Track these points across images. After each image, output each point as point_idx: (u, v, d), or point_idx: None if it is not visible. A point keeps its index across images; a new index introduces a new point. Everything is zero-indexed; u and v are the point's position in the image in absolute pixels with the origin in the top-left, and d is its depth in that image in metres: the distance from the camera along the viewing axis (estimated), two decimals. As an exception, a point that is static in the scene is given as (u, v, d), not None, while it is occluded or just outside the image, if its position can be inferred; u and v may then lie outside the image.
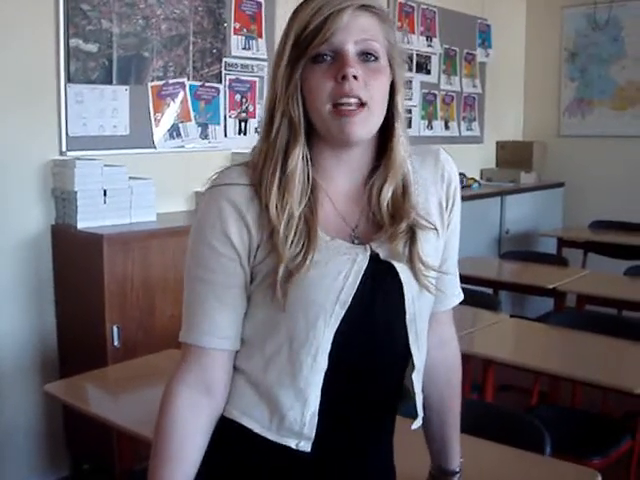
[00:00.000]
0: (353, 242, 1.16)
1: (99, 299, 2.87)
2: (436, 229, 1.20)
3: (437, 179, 1.24)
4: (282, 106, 1.12)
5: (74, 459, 3.22)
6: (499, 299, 3.80)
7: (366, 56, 1.11)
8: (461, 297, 1.35)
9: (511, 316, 3.30)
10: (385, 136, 1.17)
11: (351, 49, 1.09)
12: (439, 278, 1.22)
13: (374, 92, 1.10)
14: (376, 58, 1.11)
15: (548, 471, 1.79)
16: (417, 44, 5.12)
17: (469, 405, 1.99)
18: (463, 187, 5.30)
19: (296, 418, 1.13)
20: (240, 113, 3.80)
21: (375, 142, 1.18)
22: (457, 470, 1.38)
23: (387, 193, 1.16)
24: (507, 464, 1.81)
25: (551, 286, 3.68)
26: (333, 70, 1.09)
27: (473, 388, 2.99)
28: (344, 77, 1.08)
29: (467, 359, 2.82)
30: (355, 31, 1.09)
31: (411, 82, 5.06)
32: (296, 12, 1.12)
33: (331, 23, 1.07)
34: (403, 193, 1.18)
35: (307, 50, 1.09)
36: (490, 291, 4.09)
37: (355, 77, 1.08)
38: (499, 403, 2.67)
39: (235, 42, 3.75)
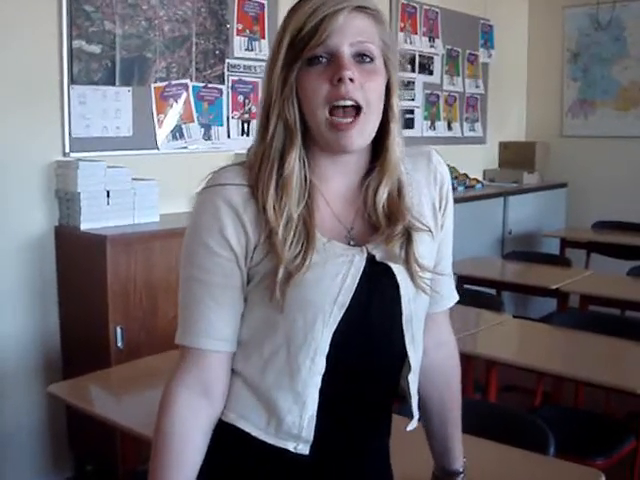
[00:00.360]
0: (349, 244, 1.15)
1: (102, 300, 2.87)
2: (430, 231, 1.20)
3: (430, 181, 1.24)
4: (277, 109, 1.12)
5: (77, 460, 3.22)
6: (502, 300, 3.80)
7: (362, 57, 1.10)
8: (456, 298, 1.35)
9: (514, 316, 3.30)
10: (381, 137, 1.16)
11: (347, 51, 1.09)
12: (434, 279, 1.22)
13: (370, 94, 1.10)
14: (372, 59, 1.11)
15: (552, 471, 1.79)
16: (420, 45, 5.12)
17: (472, 405, 1.99)
18: (466, 187, 5.32)
19: (294, 421, 1.12)
20: (243, 114, 3.80)
21: (371, 143, 1.17)
22: (460, 470, 1.38)
23: (383, 194, 1.16)
24: (510, 464, 1.81)
25: (554, 286, 3.68)
26: (329, 72, 1.08)
27: (476, 388, 2.98)
28: (340, 80, 1.07)
29: (470, 359, 2.83)
30: (351, 33, 1.09)
31: (414, 83, 5.07)
32: (291, 13, 1.12)
33: (327, 25, 1.07)
34: (398, 194, 1.18)
35: (302, 52, 1.09)
36: (493, 292, 4.09)
37: (351, 79, 1.08)
38: (502, 403, 2.67)
39: (238, 43, 3.76)
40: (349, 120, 1.09)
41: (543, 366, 2.67)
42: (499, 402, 2.76)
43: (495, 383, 2.75)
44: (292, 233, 1.09)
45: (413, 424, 1.26)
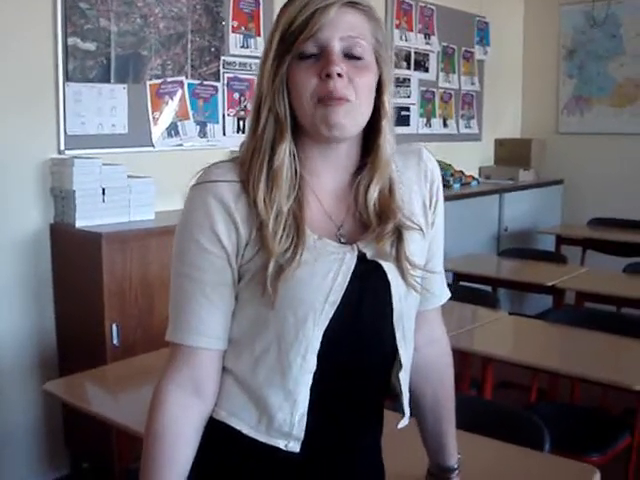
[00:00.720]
0: (339, 241, 1.15)
1: (98, 297, 2.87)
2: (421, 229, 1.20)
3: (420, 178, 1.24)
4: (268, 102, 1.11)
5: (73, 458, 3.22)
6: (498, 296, 3.80)
7: (352, 53, 1.09)
8: (448, 295, 1.35)
9: (510, 313, 3.30)
10: (372, 134, 1.16)
11: (337, 46, 1.08)
12: (426, 277, 1.21)
13: (359, 90, 1.09)
14: (362, 55, 1.10)
15: (547, 467, 1.79)
16: (415, 42, 5.12)
17: (468, 402, 2.00)
18: (462, 184, 5.31)
19: (285, 419, 1.12)
20: (238, 111, 3.79)
21: (362, 140, 1.17)
22: (455, 466, 1.39)
23: (374, 193, 1.15)
24: (506, 461, 1.81)
25: (550, 283, 3.68)
26: (318, 67, 1.08)
27: (472, 385, 2.99)
28: (328, 75, 1.07)
29: (466, 356, 2.84)
30: (341, 28, 1.08)
31: (409, 80, 5.06)
32: (284, 8, 1.11)
33: (317, 19, 1.06)
34: (390, 192, 1.17)
35: (293, 46, 1.08)
36: (489, 289, 4.09)
37: (340, 75, 1.07)
38: (498, 400, 2.68)
39: (233, 40, 3.75)
40: (338, 96, 1.08)
41: (539, 363, 2.68)
42: (495, 399, 2.77)
43: (491, 380, 2.75)
44: (282, 226, 1.09)
45: (404, 421, 1.26)
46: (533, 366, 2.74)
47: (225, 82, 3.73)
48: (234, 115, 3.78)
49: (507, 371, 2.96)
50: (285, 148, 1.11)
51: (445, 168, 5.15)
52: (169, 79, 3.46)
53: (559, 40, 6.18)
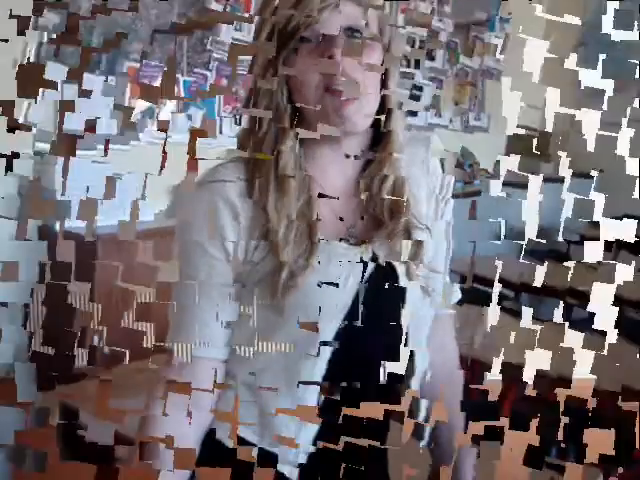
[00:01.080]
0: (349, 242, 1.13)
1: (90, 301, 2.76)
2: (428, 228, 1.17)
3: (428, 169, 1.22)
4: (266, 101, 1.08)
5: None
6: (519, 300, 3.64)
7: (353, 32, 1.06)
8: (458, 296, 1.29)
9: (534, 319, 3.14)
10: (381, 124, 1.11)
11: (338, 31, 1.02)
12: (435, 278, 1.19)
13: (365, 73, 1.03)
14: (363, 33, 1.07)
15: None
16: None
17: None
18: (480, 181, 5.20)
19: (291, 425, 1.12)
20: (234, 108, 3.79)
21: (370, 130, 1.14)
22: None
23: (387, 183, 1.14)
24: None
25: (580, 287, 3.50)
26: (319, 52, 1.04)
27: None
28: (331, 57, 1.01)
29: (479, 365, 2.66)
30: (341, 18, 1.04)
31: (418, 67, 4.88)
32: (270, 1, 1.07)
33: (316, 17, 1.03)
34: (401, 184, 1.15)
35: (289, 41, 1.05)
36: (510, 292, 3.93)
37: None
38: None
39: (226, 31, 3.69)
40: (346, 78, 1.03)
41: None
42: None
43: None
44: (293, 234, 1.08)
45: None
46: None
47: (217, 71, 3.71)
48: (230, 112, 3.78)
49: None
50: (289, 149, 1.09)
51: (466, 156, 4.96)
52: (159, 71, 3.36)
53: (582, 27, 6.01)
